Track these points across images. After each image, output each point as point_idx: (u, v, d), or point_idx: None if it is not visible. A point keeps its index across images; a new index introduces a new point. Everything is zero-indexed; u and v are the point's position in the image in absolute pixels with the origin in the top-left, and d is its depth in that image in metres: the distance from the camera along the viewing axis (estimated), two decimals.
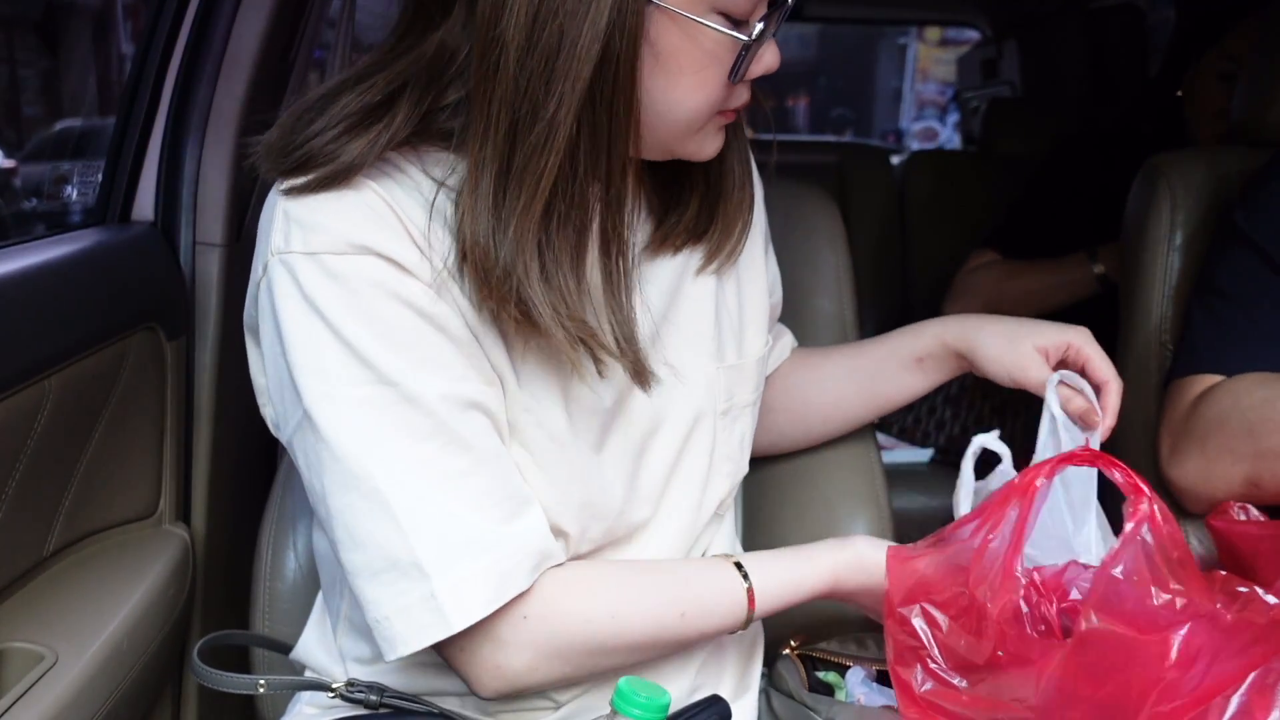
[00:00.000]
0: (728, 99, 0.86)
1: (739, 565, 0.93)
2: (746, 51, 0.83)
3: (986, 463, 1.02)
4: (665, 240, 0.97)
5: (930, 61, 11.92)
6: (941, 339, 1.11)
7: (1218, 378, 1.20)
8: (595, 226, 0.84)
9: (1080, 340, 1.05)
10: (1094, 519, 0.96)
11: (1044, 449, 1.00)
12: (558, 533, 0.90)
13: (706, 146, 0.90)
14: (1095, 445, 0.99)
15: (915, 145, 8.95)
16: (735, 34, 0.81)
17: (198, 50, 1.36)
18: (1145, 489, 0.82)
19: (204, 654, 0.96)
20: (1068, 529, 0.95)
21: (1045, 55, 3.39)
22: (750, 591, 0.91)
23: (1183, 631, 0.75)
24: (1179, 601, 0.78)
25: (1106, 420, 1.01)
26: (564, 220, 0.81)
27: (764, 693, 1.09)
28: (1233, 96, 1.47)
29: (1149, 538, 0.80)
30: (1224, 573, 0.87)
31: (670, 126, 0.86)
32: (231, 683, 0.93)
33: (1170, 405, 1.24)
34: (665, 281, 0.97)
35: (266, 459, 1.42)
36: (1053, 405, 1.00)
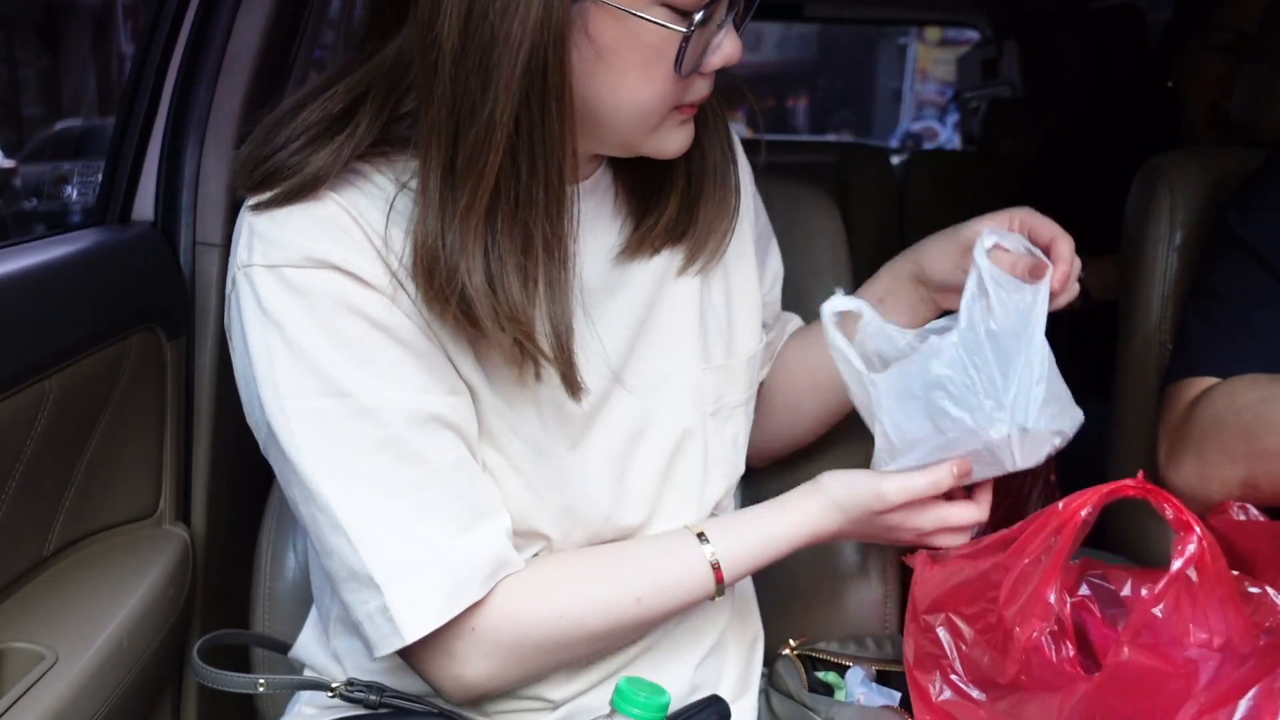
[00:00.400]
0: (682, 93, 0.84)
1: (703, 535, 0.92)
2: (688, 44, 0.80)
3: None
4: (643, 242, 0.95)
5: (930, 61, 11.92)
6: (891, 270, 1.08)
7: (1213, 380, 1.20)
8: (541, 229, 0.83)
9: (1022, 212, 0.99)
10: (1037, 377, 0.87)
11: (970, 305, 0.89)
12: (538, 536, 0.91)
13: (669, 143, 0.88)
14: (1044, 297, 0.89)
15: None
16: (673, 26, 0.79)
17: (198, 50, 1.36)
18: (1196, 527, 0.79)
19: (203, 653, 0.96)
20: (995, 386, 0.87)
21: (1045, 55, 3.39)
22: (716, 564, 0.91)
23: (1213, 664, 0.74)
24: (1216, 640, 0.77)
25: (1060, 267, 0.92)
26: (509, 221, 0.80)
27: (764, 692, 1.09)
28: (1235, 70, 1.44)
29: (1194, 576, 0.78)
30: (1236, 573, 0.86)
31: (623, 123, 0.84)
32: (231, 682, 0.93)
33: (1167, 408, 1.24)
34: (645, 284, 0.96)
35: (266, 459, 1.42)
36: (980, 257, 0.90)
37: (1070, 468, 1.97)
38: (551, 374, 0.86)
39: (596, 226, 0.94)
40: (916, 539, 0.93)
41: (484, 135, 0.78)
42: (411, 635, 0.82)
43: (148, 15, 1.39)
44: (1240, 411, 1.12)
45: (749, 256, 1.06)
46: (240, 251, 0.83)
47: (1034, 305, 0.88)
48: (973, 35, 4.49)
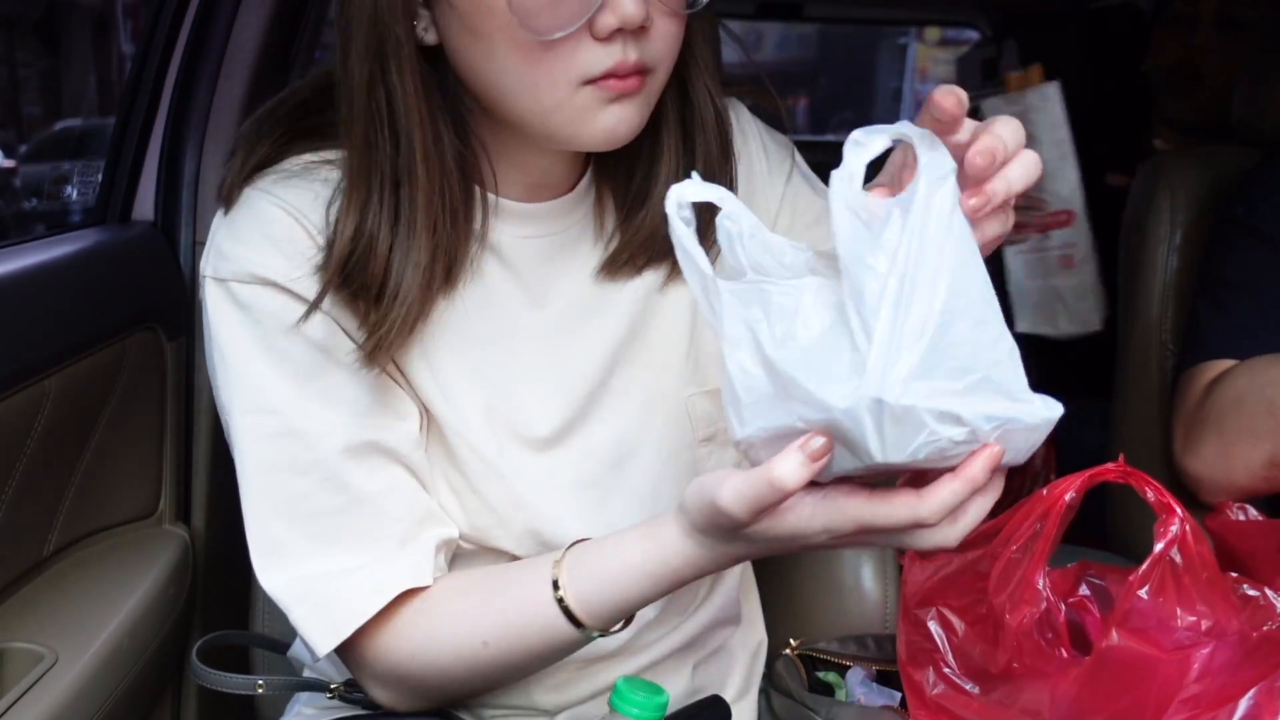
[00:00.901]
0: (578, 63, 0.75)
1: (561, 563, 0.80)
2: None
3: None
4: (625, 260, 0.89)
5: (930, 61, 11.92)
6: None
7: (1229, 362, 1.19)
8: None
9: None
10: (915, 332, 0.61)
11: (850, 227, 0.64)
12: (501, 553, 0.88)
13: (590, 127, 0.77)
14: (947, 220, 0.62)
15: None
16: None
17: (198, 50, 1.36)
18: (1178, 509, 0.79)
19: (203, 654, 0.96)
20: (858, 339, 0.63)
21: (1045, 55, 3.39)
22: (564, 604, 0.78)
23: (1205, 651, 0.74)
24: (1205, 623, 0.77)
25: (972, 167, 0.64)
26: (408, 205, 0.79)
27: (764, 693, 1.09)
28: (1195, 39, 1.46)
29: (1178, 558, 0.78)
30: (1234, 574, 0.86)
31: (518, 103, 0.77)
32: (231, 683, 0.93)
33: (1181, 396, 1.23)
34: (630, 301, 0.90)
35: None
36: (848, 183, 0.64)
37: (1067, 468, 1.97)
38: (546, 399, 0.85)
39: (581, 242, 0.90)
40: (862, 543, 0.71)
41: (361, 117, 0.77)
42: (321, 651, 0.82)
43: (148, 15, 1.39)
44: (1264, 388, 1.11)
45: None
46: (203, 259, 0.84)
47: (938, 229, 0.61)
48: (973, 35, 4.49)
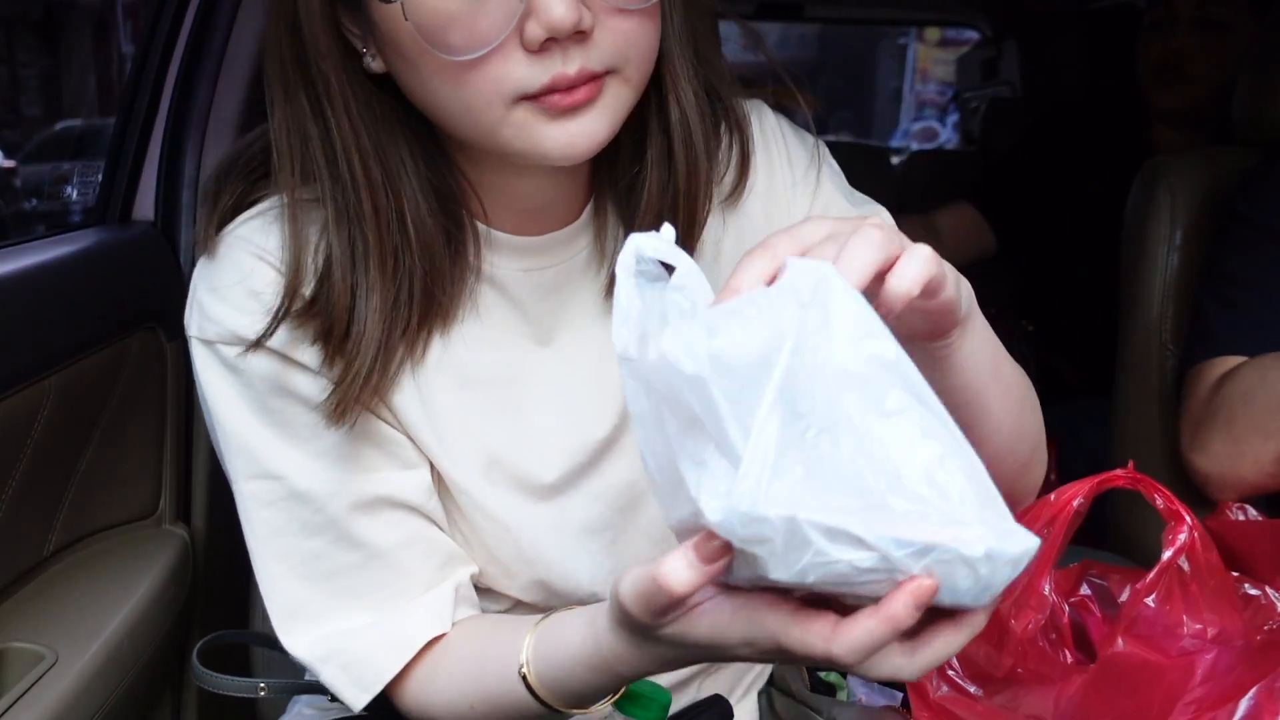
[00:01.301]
0: (503, 79, 0.68)
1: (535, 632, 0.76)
2: (401, 7, 0.66)
3: None
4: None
5: (930, 61, 11.92)
6: None
7: (1238, 358, 1.19)
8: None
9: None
10: (768, 441, 0.52)
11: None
12: (510, 599, 0.87)
13: (536, 144, 0.70)
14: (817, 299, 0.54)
15: (915, 145, 8.96)
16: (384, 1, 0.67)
17: (198, 50, 1.36)
18: (1187, 517, 0.79)
19: (203, 654, 0.96)
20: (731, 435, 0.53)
21: (1045, 55, 3.39)
22: (525, 677, 0.74)
23: (1209, 656, 0.74)
24: (1210, 631, 0.77)
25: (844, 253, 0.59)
26: (361, 243, 0.75)
27: (765, 692, 1.09)
28: (1173, 43, 1.48)
29: (1186, 566, 0.78)
30: (1236, 574, 0.86)
31: (459, 125, 0.72)
32: (232, 686, 0.93)
33: (1189, 393, 1.23)
34: None
35: None
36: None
37: (1069, 468, 1.97)
38: (553, 449, 0.82)
39: (586, 274, 0.84)
40: (792, 663, 0.66)
41: (290, 146, 0.75)
42: (355, 707, 0.81)
43: (148, 15, 1.39)
44: (1273, 384, 1.10)
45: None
46: (186, 315, 0.80)
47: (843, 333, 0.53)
48: (973, 35, 4.49)
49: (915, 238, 0.62)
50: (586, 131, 0.70)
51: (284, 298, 0.75)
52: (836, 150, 0.95)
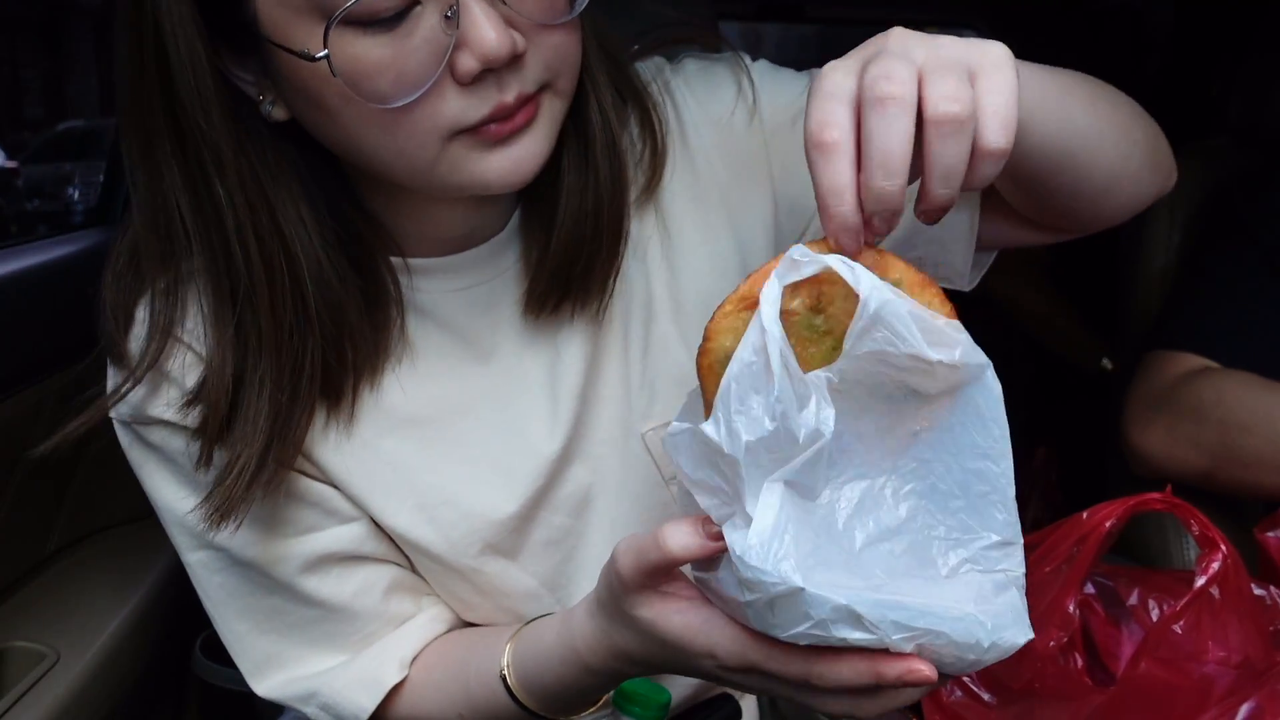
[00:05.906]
0: (437, 117, 0.64)
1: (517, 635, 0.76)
2: (327, 63, 0.61)
3: None
4: (542, 298, 0.77)
5: None
6: None
7: (1199, 359, 1.20)
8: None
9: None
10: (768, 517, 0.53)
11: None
12: (479, 623, 0.86)
13: (476, 176, 0.67)
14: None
15: None
16: (302, 54, 0.62)
17: None
18: (1222, 545, 0.78)
19: (206, 646, 0.96)
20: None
21: (1045, 55, 3.39)
22: (505, 679, 0.73)
23: (1228, 680, 0.74)
24: (1235, 658, 0.76)
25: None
26: (251, 319, 0.70)
27: None
28: None
29: (1217, 594, 0.77)
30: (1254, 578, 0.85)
31: (391, 168, 0.68)
32: (234, 679, 0.93)
33: (1143, 375, 1.23)
34: (577, 346, 0.80)
35: None
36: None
37: (1068, 467, 1.97)
38: (516, 473, 0.79)
39: (516, 287, 0.79)
40: (750, 689, 0.63)
41: (173, 219, 0.70)
42: None
43: None
44: (1228, 406, 1.12)
45: (704, 277, 0.82)
46: (108, 393, 0.77)
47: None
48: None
49: None
50: (530, 154, 0.68)
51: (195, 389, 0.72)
52: None
